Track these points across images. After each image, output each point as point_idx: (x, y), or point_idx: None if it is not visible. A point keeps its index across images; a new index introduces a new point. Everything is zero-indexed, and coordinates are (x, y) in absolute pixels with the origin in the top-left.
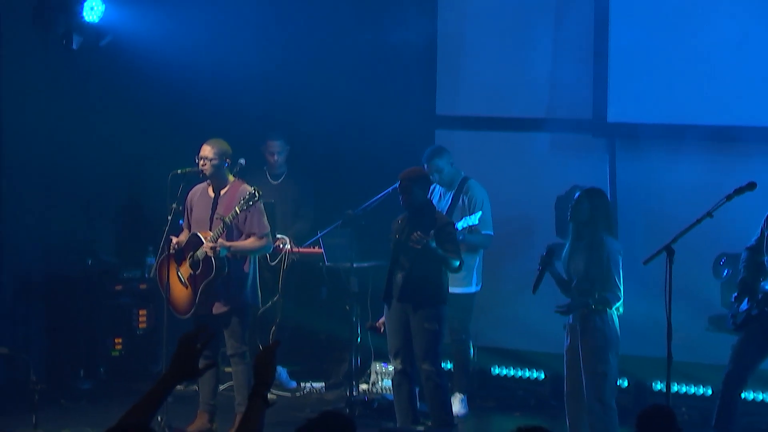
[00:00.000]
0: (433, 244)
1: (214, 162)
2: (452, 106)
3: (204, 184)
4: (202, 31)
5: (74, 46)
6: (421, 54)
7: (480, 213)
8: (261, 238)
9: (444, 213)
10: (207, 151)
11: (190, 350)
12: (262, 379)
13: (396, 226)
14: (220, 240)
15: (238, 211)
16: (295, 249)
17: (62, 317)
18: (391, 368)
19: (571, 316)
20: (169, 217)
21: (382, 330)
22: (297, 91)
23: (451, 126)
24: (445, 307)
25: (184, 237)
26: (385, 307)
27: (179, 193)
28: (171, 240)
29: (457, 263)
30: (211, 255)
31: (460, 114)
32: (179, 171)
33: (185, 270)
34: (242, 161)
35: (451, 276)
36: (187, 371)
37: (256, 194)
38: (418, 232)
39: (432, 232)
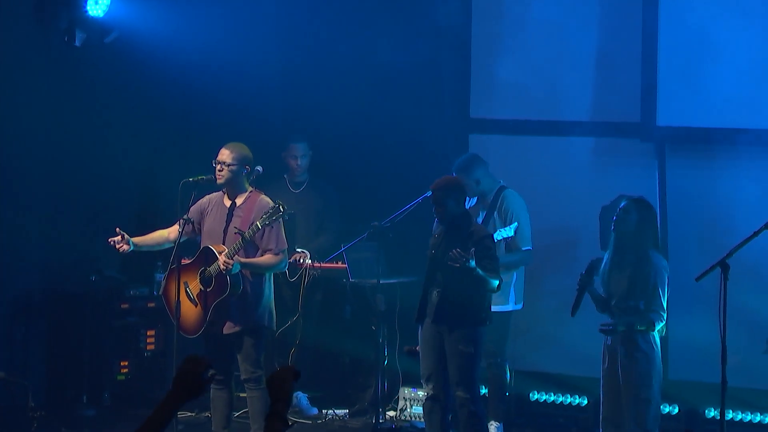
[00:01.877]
0: (473, 263)
1: (233, 168)
2: (487, 109)
3: (220, 194)
4: (216, 27)
5: (77, 43)
6: (454, 53)
7: (515, 224)
8: (277, 254)
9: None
10: (226, 155)
11: (195, 366)
12: (278, 396)
13: (432, 240)
14: (235, 256)
15: (260, 226)
16: (317, 264)
17: (63, 338)
18: (421, 394)
19: (610, 337)
20: (180, 230)
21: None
22: (320, 92)
23: (486, 130)
24: (483, 329)
25: (164, 234)
26: (419, 327)
27: (191, 203)
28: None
29: (497, 283)
30: (225, 271)
31: (496, 117)
32: (191, 179)
33: (195, 286)
34: (260, 169)
35: None
36: (193, 389)
37: (281, 208)
38: (458, 250)
39: (472, 250)
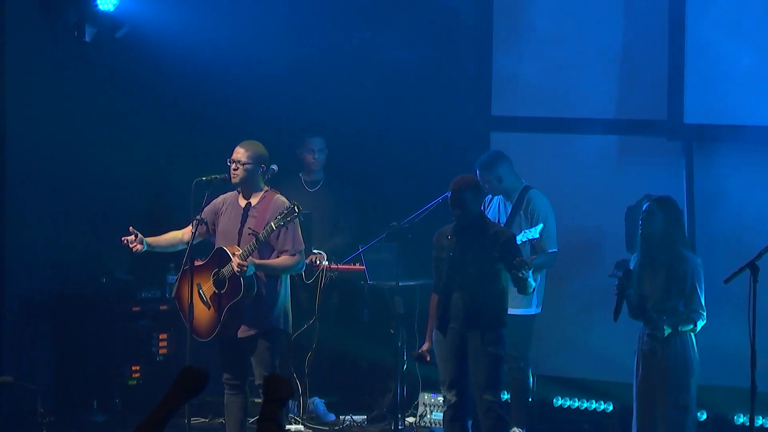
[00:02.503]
0: (528, 273)
1: (248, 167)
2: (509, 106)
3: (234, 193)
4: (229, 21)
5: (87, 38)
6: (474, 48)
7: (541, 226)
8: (294, 255)
9: (503, 225)
10: (240, 153)
11: (196, 369)
12: (272, 396)
13: (444, 242)
14: (250, 257)
15: (275, 227)
16: (334, 265)
17: (73, 342)
18: (441, 399)
19: (648, 343)
20: (193, 230)
21: (428, 358)
22: (336, 89)
23: (509, 127)
24: (506, 331)
25: (178, 235)
26: (436, 332)
27: (204, 203)
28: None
29: (535, 285)
30: (239, 273)
31: (518, 114)
32: (204, 178)
33: (208, 288)
34: (275, 167)
35: (509, 296)
36: (192, 386)
37: (296, 209)
38: (521, 257)
39: (520, 258)
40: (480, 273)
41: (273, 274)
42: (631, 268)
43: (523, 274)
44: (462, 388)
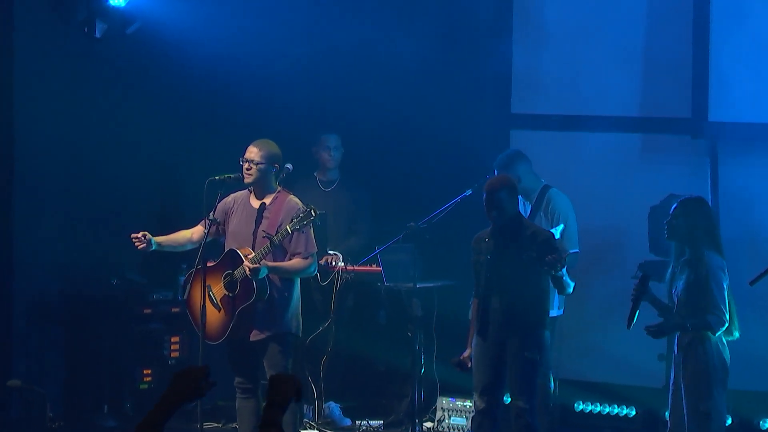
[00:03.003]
0: (564, 271)
1: (261, 166)
2: (529, 104)
3: (246, 192)
4: (242, 17)
5: (97, 35)
6: (494, 45)
7: (561, 226)
8: (306, 258)
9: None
10: (254, 153)
11: (194, 371)
12: (275, 399)
13: (482, 246)
14: (263, 260)
15: (290, 231)
16: (350, 267)
17: (83, 345)
18: (459, 404)
19: (675, 346)
20: (205, 231)
21: (469, 365)
22: (352, 87)
23: (528, 126)
24: (548, 334)
25: (187, 234)
26: (476, 338)
27: (216, 203)
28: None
29: (573, 285)
30: (251, 276)
31: (539, 112)
32: (217, 177)
33: (218, 290)
34: (289, 167)
35: None
36: (191, 389)
37: (312, 213)
38: (554, 255)
39: (553, 255)
40: (517, 275)
41: (285, 277)
42: (669, 273)
43: (557, 271)
44: (494, 396)
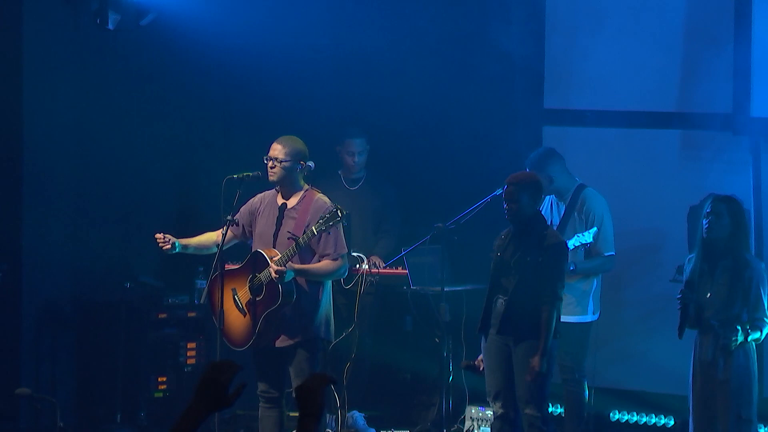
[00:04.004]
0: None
1: (286, 164)
2: (563, 99)
3: (273, 192)
4: (264, 7)
5: (110, 26)
6: (526, 37)
7: (595, 230)
8: (336, 259)
9: (556, 228)
10: (277, 150)
11: (220, 374)
12: (308, 410)
13: (499, 242)
14: (289, 263)
15: (316, 232)
16: (375, 269)
17: (95, 351)
18: (489, 413)
19: (705, 351)
20: (223, 232)
21: (481, 368)
22: (378, 80)
23: (562, 121)
24: (554, 342)
25: (213, 237)
26: (482, 339)
27: (235, 202)
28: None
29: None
30: (276, 279)
31: (573, 107)
32: (236, 176)
33: (244, 294)
34: (311, 164)
35: (564, 303)
36: (215, 399)
37: (339, 213)
38: (530, 375)
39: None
40: (523, 277)
41: (314, 280)
42: (687, 272)
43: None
44: (508, 399)
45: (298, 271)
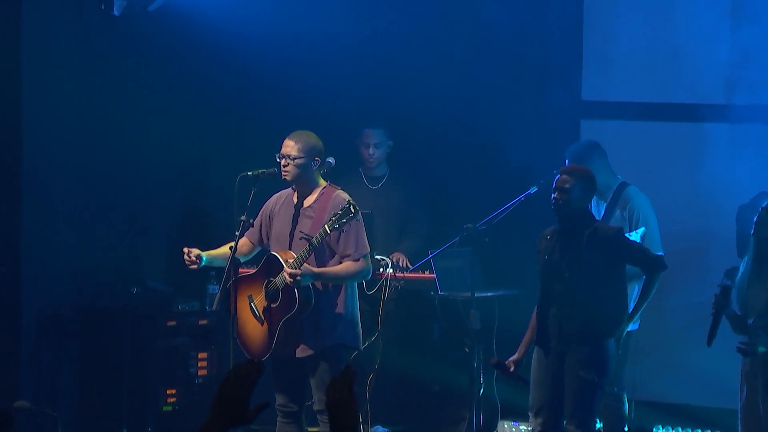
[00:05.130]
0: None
1: (300, 161)
2: (603, 90)
3: (289, 191)
4: None
5: (116, 12)
6: (563, 23)
7: (643, 229)
8: (357, 260)
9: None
10: (290, 147)
11: (237, 387)
12: (344, 425)
13: (544, 244)
14: (305, 265)
15: (328, 230)
16: (400, 274)
17: (99, 362)
18: (523, 428)
19: (749, 363)
20: (237, 233)
21: (512, 369)
22: (403, 71)
23: (601, 114)
24: (612, 349)
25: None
26: (537, 350)
27: (249, 202)
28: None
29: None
30: (292, 284)
31: (613, 99)
32: (250, 173)
33: (260, 301)
34: (331, 161)
35: None
36: (235, 415)
37: (352, 209)
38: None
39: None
40: (579, 279)
41: (334, 284)
42: (740, 275)
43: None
44: (551, 417)
45: (315, 275)
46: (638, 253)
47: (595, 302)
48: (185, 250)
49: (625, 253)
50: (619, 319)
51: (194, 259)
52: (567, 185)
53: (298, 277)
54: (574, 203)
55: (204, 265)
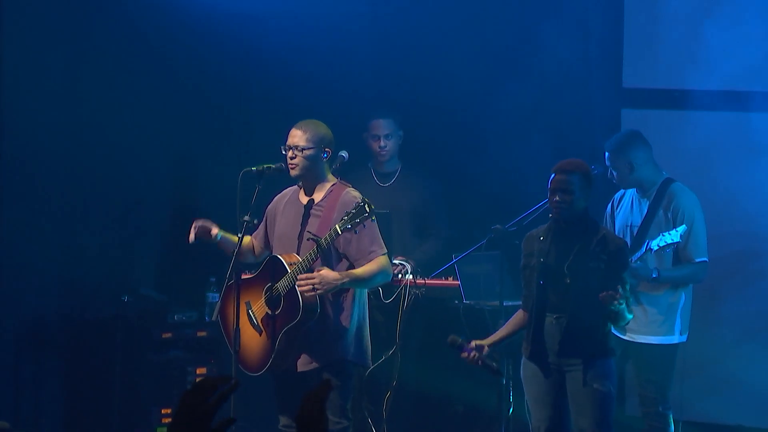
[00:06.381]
0: (623, 305)
1: (309, 152)
2: (646, 76)
3: (294, 188)
4: None
5: None
6: (602, 4)
7: (684, 227)
8: (376, 259)
9: (637, 228)
10: (298, 136)
11: (201, 399)
12: None
13: (535, 246)
14: (326, 271)
15: (340, 231)
16: (420, 280)
17: (86, 378)
18: None
19: None
20: (240, 235)
21: (473, 355)
22: (423, 55)
23: (644, 103)
24: (615, 360)
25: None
26: (526, 364)
27: (253, 200)
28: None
29: (630, 317)
30: (312, 291)
31: (657, 86)
32: (254, 168)
33: (259, 308)
34: (344, 154)
35: (644, 320)
36: (195, 429)
37: (366, 207)
38: (610, 292)
39: (607, 293)
40: (580, 287)
41: (340, 289)
42: None
43: (615, 307)
44: None
45: (344, 283)
46: (624, 286)
47: (596, 314)
48: (198, 223)
49: (616, 272)
50: (611, 334)
51: (208, 231)
52: (569, 185)
53: (317, 284)
54: (578, 204)
55: (218, 240)
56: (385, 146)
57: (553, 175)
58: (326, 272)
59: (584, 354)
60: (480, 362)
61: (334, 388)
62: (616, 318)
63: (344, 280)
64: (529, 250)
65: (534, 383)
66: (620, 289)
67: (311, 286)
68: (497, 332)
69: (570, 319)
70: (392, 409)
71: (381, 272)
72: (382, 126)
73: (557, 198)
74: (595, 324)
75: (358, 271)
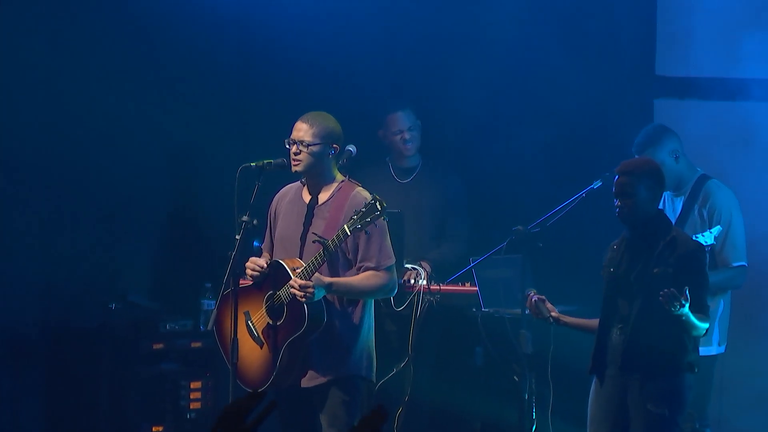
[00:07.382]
0: (686, 310)
1: (315, 148)
2: (679, 64)
3: (297, 185)
4: None
5: None
6: None
7: (719, 228)
8: (380, 271)
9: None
10: (303, 131)
11: (237, 420)
12: None
13: (611, 256)
14: (317, 275)
15: (349, 231)
16: (434, 286)
17: (69, 392)
18: None
19: None
20: (238, 237)
21: (551, 314)
22: (441, 43)
23: (678, 93)
24: (688, 381)
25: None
26: (595, 381)
27: (253, 199)
28: (246, 266)
29: (706, 327)
30: (303, 299)
31: (691, 75)
32: (253, 164)
33: (260, 319)
34: (352, 149)
35: None
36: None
37: (378, 206)
38: (671, 290)
39: (686, 289)
40: (648, 296)
41: (350, 298)
42: None
43: (676, 310)
44: None
45: (331, 287)
46: (699, 290)
47: (661, 326)
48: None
49: (688, 279)
50: (688, 349)
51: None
52: (630, 188)
53: (311, 290)
54: (643, 207)
55: None
56: (411, 139)
57: (616, 176)
58: (317, 278)
59: (645, 368)
60: (534, 307)
61: (343, 404)
62: (685, 327)
63: (339, 287)
64: (605, 262)
65: (596, 397)
66: (686, 292)
67: (302, 292)
68: (577, 319)
69: (633, 329)
70: (405, 425)
71: (385, 285)
72: (402, 119)
73: (618, 203)
74: (661, 335)
75: (357, 278)
